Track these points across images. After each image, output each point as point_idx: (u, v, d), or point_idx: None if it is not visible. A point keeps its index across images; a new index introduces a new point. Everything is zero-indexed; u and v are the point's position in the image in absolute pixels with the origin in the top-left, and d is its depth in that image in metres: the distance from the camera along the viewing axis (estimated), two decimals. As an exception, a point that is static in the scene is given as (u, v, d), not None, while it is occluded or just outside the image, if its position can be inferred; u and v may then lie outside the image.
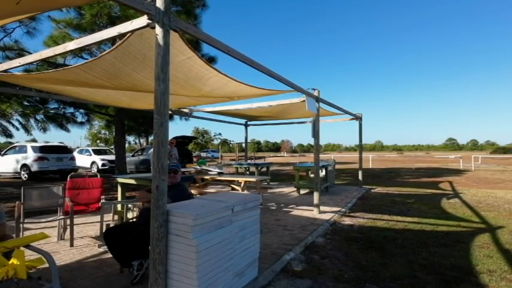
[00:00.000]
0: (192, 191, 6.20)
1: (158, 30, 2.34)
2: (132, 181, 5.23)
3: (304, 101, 5.75)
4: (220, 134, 40.41)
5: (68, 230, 4.07)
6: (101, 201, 4.56)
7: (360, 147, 10.44)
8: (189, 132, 45.48)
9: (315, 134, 6.30)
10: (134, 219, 3.75)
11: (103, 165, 15.94)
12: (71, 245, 3.94)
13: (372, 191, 9.38)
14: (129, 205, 4.13)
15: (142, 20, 2.38)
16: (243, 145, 13.54)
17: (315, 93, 6.11)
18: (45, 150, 12.63)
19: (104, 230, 3.54)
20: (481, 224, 5.23)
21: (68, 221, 4.06)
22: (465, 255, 3.73)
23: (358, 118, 9.86)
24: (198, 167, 8.05)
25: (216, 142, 44.27)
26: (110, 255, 2.99)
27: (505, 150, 61.50)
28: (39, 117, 11.20)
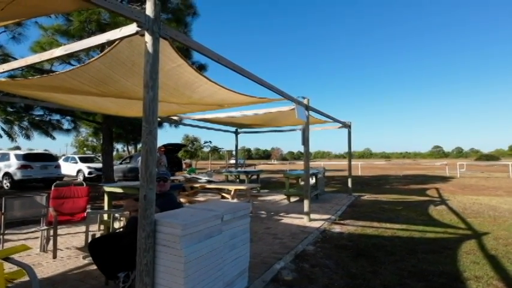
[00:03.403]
0: (181, 200, 6.11)
1: (147, 37, 2.33)
2: (119, 189, 5.11)
3: (293, 109, 5.80)
4: (210, 141, 40.15)
5: (52, 241, 3.93)
6: (87, 210, 4.44)
7: (349, 155, 10.55)
8: (179, 140, 45.04)
9: (305, 141, 6.34)
10: (121, 229, 3.67)
11: (89, 173, 15.57)
12: (54, 256, 3.80)
13: (361, 198, 9.46)
14: (116, 214, 4.02)
15: (132, 28, 2.37)
16: (234, 153, 13.51)
17: (305, 101, 6.17)
18: (28, 158, 12.25)
19: (89, 241, 3.43)
20: (467, 230, 5.32)
21: (52, 232, 3.92)
22: (453, 261, 3.78)
23: (347, 126, 9.99)
24: (187, 175, 7.96)
25: (206, 150, 43.96)
26: (95, 267, 2.90)
27: (488, 157, 63.33)
28: (24, 123, 10.91)
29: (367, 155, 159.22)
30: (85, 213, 4.42)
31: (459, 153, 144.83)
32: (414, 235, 5.04)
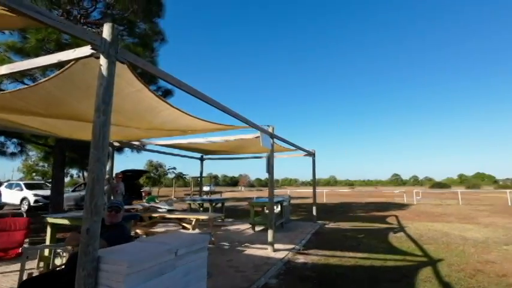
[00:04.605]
0: (138, 231, 5.69)
1: (102, 60, 2.24)
2: (65, 221, 4.63)
3: (258, 137, 5.83)
4: (175, 168, 38.97)
5: (-25, 283, 3.37)
6: (24, 245, 3.92)
7: (314, 183, 10.73)
8: (141, 166, 43.10)
9: (270, 169, 6.35)
10: (62, 267, 3.26)
11: (36, 201, 14.01)
12: (-23, 302, 3.25)
13: (326, 226, 9.52)
14: (58, 250, 3.60)
15: (86, 49, 2.27)
16: (199, 179, 13.14)
17: (270, 129, 6.25)
18: (-38, 185, 10.86)
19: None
20: (423, 258, 5.51)
21: (-23, 272, 3.38)
22: (411, 290, 3.84)
23: (311, 154, 10.25)
24: (146, 203, 7.50)
25: (170, 176, 42.40)
26: (25, 314, 2.49)
27: (441, 185, 68.21)
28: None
29: (332, 182, 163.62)
30: (21, 249, 3.90)
31: (415, 181, 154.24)
32: (375, 264, 5.09)
